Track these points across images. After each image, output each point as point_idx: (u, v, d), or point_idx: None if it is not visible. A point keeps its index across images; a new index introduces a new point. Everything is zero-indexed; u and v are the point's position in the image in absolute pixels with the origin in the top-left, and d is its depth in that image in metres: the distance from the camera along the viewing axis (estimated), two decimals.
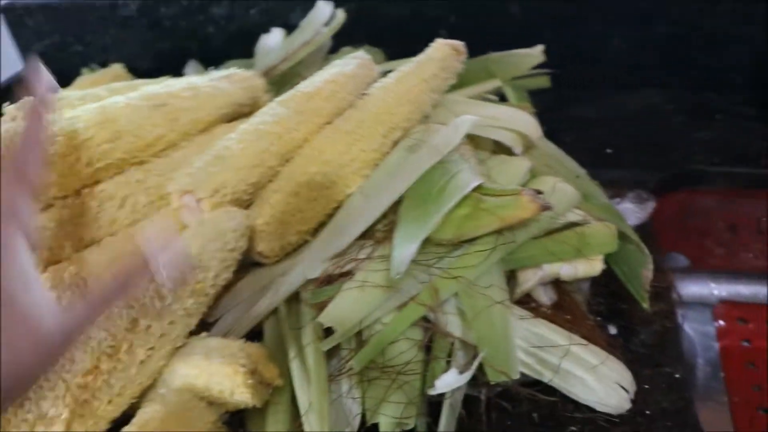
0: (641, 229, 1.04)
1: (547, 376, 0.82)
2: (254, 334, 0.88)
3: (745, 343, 1.23)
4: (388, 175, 0.95)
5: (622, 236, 0.95)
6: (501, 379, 0.77)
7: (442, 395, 0.79)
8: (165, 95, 0.95)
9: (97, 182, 0.89)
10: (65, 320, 0.60)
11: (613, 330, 0.95)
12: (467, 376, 0.77)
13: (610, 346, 0.87)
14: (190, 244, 0.80)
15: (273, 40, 1.44)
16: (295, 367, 0.80)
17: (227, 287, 0.88)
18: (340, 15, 1.30)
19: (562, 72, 1.31)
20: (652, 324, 0.96)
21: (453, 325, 0.84)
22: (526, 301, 0.91)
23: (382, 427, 0.77)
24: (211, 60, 1.52)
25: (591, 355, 0.83)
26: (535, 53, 1.17)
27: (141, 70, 1.48)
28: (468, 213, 0.84)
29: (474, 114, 0.97)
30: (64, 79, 1.32)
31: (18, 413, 0.69)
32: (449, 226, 0.84)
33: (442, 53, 1.03)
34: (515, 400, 0.84)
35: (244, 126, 0.95)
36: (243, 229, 0.83)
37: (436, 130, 0.98)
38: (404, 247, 0.81)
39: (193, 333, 0.83)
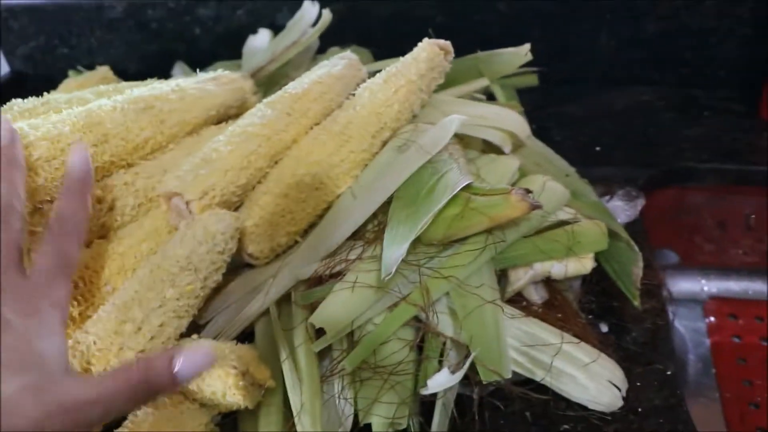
0: (631, 227, 1.04)
1: (539, 375, 0.82)
2: (245, 336, 0.88)
3: (736, 339, 1.23)
4: (377, 176, 0.95)
5: (612, 234, 0.95)
6: (493, 379, 0.76)
7: (434, 395, 0.79)
8: (151, 98, 0.95)
9: None
10: (93, 394, 0.62)
11: (604, 328, 0.95)
12: (459, 375, 0.76)
13: (602, 344, 0.87)
14: (181, 250, 0.80)
15: (260, 40, 1.44)
16: (286, 368, 0.80)
17: (217, 289, 0.87)
18: (327, 15, 1.30)
19: (551, 70, 1.31)
20: (643, 321, 0.96)
21: (444, 324, 0.83)
22: (517, 300, 0.91)
23: (374, 428, 0.77)
24: (199, 61, 1.51)
25: (583, 353, 0.83)
26: (523, 52, 1.17)
27: (128, 72, 1.48)
28: (458, 212, 0.84)
29: (462, 113, 0.96)
30: (50, 81, 1.31)
31: None
32: (439, 226, 0.84)
33: (430, 53, 1.02)
34: (508, 399, 0.84)
35: (232, 128, 0.94)
36: (232, 231, 0.83)
37: (424, 129, 0.98)
38: (394, 248, 0.81)
39: (184, 335, 0.83)
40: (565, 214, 0.94)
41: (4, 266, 0.66)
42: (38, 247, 0.72)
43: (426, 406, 0.81)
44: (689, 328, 1.26)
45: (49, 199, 0.85)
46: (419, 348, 0.84)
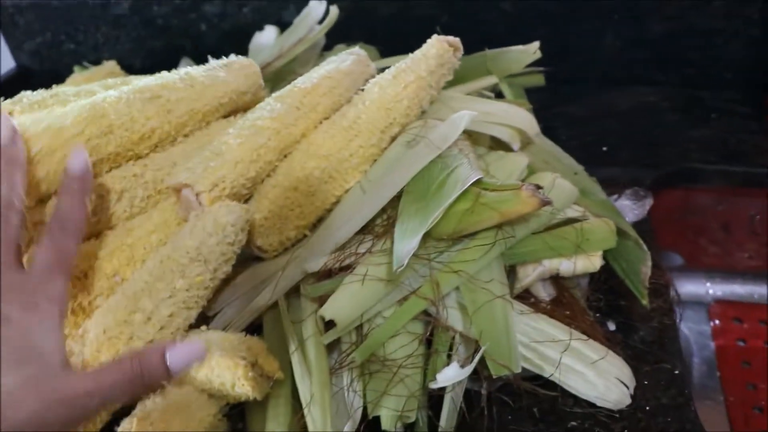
0: (638, 226, 1.04)
1: (547, 371, 0.82)
2: (253, 328, 0.88)
3: (741, 343, 1.23)
4: (386, 170, 0.95)
5: (620, 233, 0.95)
6: (503, 373, 0.76)
7: (443, 389, 0.79)
8: (158, 87, 0.94)
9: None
10: (90, 386, 0.64)
11: (612, 326, 0.95)
12: (469, 369, 0.76)
13: (609, 343, 0.87)
14: (189, 240, 0.80)
15: (266, 37, 1.44)
16: (295, 360, 0.80)
17: (226, 281, 0.87)
18: (334, 12, 1.30)
19: (556, 70, 1.31)
20: (650, 320, 0.96)
21: (454, 319, 0.83)
22: (525, 297, 0.91)
23: (383, 421, 0.77)
24: (204, 58, 1.51)
25: (591, 350, 0.83)
26: (532, 50, 1.17)
27: (133, 68, 1.48)
28: (468, 207, 0.84)
29: (471, 110, 0.96)
30: (56, 77, 1.31)
31: None
32: (449, 221, 0.84)
33: (439, 49, 1.02)
34: (515, 395, 0.84)
35: (242, 121, 0.94)
36: (242, 223, 0.82)
37: (433, 125, 0.98)
38: (406, 241, 0.80)
39: (193, 326, 0.83)
40: (573, 211, 0.94)
41: (3, 262, 0.68)
42: (37, 244, 0.73)
43: (434, 400, 0.81)
44: (694, 331, 1.26)
45: (51, 191, 0.84)
46: (428, 342, 0.84)
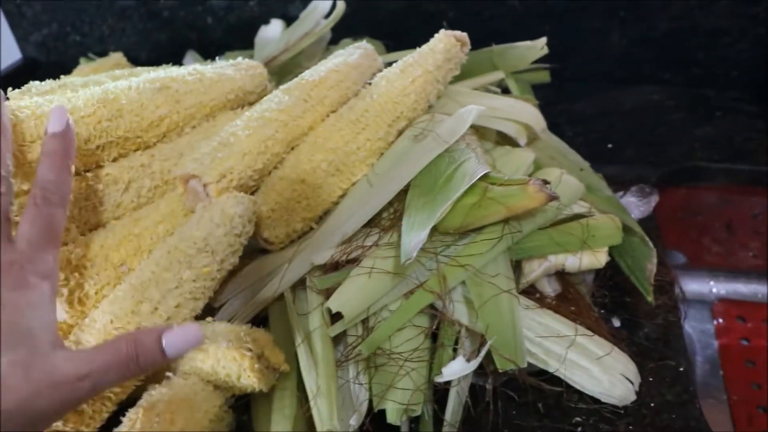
0: (644, 223, 1.04)
1: (553, 366, 0.82)
2: (259, 321, 0.88)
3: (744, 342, 1.23)
4: (393, 164, 0.95)
5: (626, 229, 0.95)
6: (509, 367, 0.76)
7: (448, 383, 0.79)
8: (168, 79, 0.95)
9: (99, 164, 0.89)
10: (82, 369, 0.62)
11: (616, 323, 0.95)
12: (474, 363, 0.76)
13: (615, 339, 0.87)
14: (196, 231, 0.80)
15: (272, 31, 1.44)
16: (302, 352, 0.80)
17: (233, 273, 0.87)
18: (341, 6, 1.30)
19: (562, 67, 1.31)
20: (655, 317, 0.96)
21: (460, 312, 0.83)
22: (530, 292, 0.92)
23: (388, 414, 0.77)
24: (210, 51, 1.52)
25: (596, 346, 0.83)
26: (539, 46, 1.17)
27: (139, 61, 1.49)
28: (475, 202, 0.84)
29: (478, 105, 0.96)
30: (62, 68, 1.31)
31: None
32: (456, 215, 0.84)
33: (447, 44, 1.02)
34: (520, 390, 0.85)
35: (249, 113, 0.94)
36: (250, 215, 0.82)
37: (441, 119, 0.98)
38: (413, 234, 0.80)
39: (199, 317, 0.83)
40: (580, 207, 0.94)
41: None
42: (22, 216, 0.70)
43: (440, 394, 0.81)
44: (697, 330, 1.26)
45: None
46: (434, 336, 0.84)
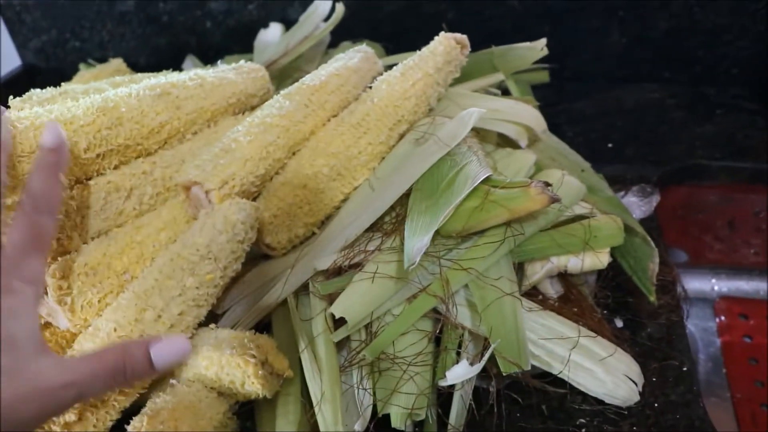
0: (645, 223, 1.04)
1: (556, 368, 0.82)
2: (262, 327, 0.88)
3: (747, 339, 1.23)
4: (395, 168, 0.95)
5: (628, 229, 0.95)
6: (513, 370, 0.76)
7: (452, 387, 0.80)
8: (168, 85, 0.95)
9: (101, 172, 0.89)
10: (66, 377, 0.62)
11: (619, 323, 0.96)
12: (478, 367, 0.76)
13: (618, 339, 0.87)
14: (199, 238, 0.80)
15: (272, 34, 1.44)
16: (305, 358, 0.80)
17: (235, 279, 0.87)
18: (340, 9, 1.29)
19: (562, 67, 1.32)
20: (658, 317, 0.96)
21: (463, 316, 0.84)
22: (533, 294, 0.92)
23: (393, 418, 0.77)
24: (210, 55, 1.52)
25: (600, 347, 0.84)
26: (538, 47, 1.16)
27: (139, 66, 1.49)
28: (477, 205, 0.84)
29: (479, 107, 0.97)
30: (62, 75, 1.31)
31: None
32: (458, 218, 0.84)
33: (447, 47, 1.02)
34: (524, 392, 0.85)
35: (251, 119, 0.94)
36: (252, 221, 0.82)
37: (442, 122, 0.98)
38: (417, 238, 0.80)
39: (202, 324, 0.83)
40: (581, 208, 0.94)
41: None
42: (11, 223, 0.70)
43: (444, 397, 0.81)
44: (699, 328, 1.26)
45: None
46: (437, 340, 0.84)
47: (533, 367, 0.82)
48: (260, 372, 0.76)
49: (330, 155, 0.94)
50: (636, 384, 0.83)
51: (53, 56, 1.60)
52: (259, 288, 0.89)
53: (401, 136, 1.01)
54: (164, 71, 1.11)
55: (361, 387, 0.81)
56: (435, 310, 0.84)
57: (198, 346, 0.79)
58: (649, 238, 0.97)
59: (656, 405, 0.85)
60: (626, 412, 0.84)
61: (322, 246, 0.90)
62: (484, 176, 0.84)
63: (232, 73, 1.03)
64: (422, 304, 0.82)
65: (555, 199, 0.82)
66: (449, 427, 0.78)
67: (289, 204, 0.90)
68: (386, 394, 0.78)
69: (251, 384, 0.76)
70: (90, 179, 0.88)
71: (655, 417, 0.83)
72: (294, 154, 0.96)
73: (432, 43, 1.04)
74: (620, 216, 0.95)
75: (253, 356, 0.76)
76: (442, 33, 1.04)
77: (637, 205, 1.10)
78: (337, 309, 0.81)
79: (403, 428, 0.77)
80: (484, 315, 0.81)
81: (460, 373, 0.76)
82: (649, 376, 0.87)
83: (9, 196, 0.78)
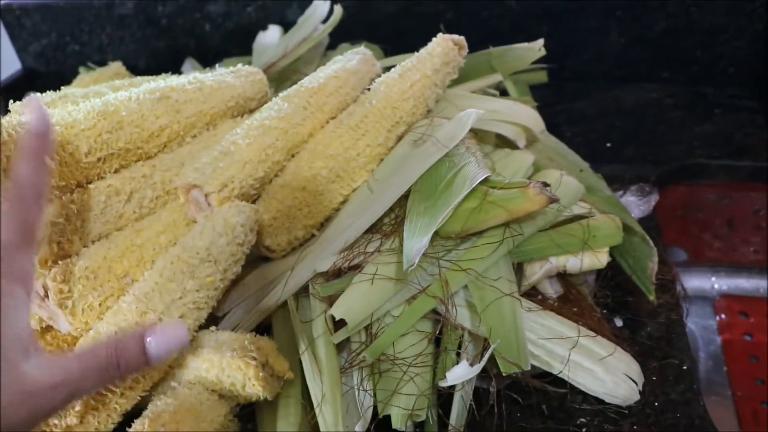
0: (644, 222, 1.04)
1: (556, 368, 0.82)
2: (263, 329, 0.88)
3: (747, 337, 1.23)
4: (394, 170, 0.96)
5: (627, 229, 0.95)
6: (512, 371, 0.77)
7: (452, 387, 0.80)
8: (168, 88, 0.95)
9: (101, 176, 0.90)
10: (56, 377, 0.60)
11: (619, 322, 0.96)
12: (478, 368, 0.77)
13: (617, 339, 0.87)
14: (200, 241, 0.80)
15: (270, 37, 1.44)
16: (306, 359, 0.80)
17: (235, 282, 0.88)
18: (338, 11, 1.30)
19: (560, 67, 1.32)
20: (657, 316, 0.96)
21: (463, 317, 0.84)
22: (532, 294, 0.92)
23: (393, 420, 0.77)
24: (208, 57, 1.52)
25: (599, 346, 0.84)
26: (536, 47, 1.17)
27: (138, 69, 1.49)
28: (476, 206, 0.84)
29: (477, 108, 0.97)
30: (62, 78, 1.31)
31: None
32: (457, 219, 0.84)
33: (444, 48, 1.03)
34: (525, 392, 0.85)
35: (249, 121, 0.94)
36: (252, 223, 0.83)
37: (440, 124, 0.99)
38: (416, 240, 0.81)
39: (203, 327, 0.83)
40: (580, 208, 0.95)
41: None
42: None
43: (444, 398, 0.81)
44: (699, 326, 1.26)
45: (63, 184, 0.85)
46: (437, 340, 0.85)
47: (533, 367, 0.82)
48: (261, 374, 0.76)
49: (329, 157, 0.94)
50: (636, 383, 0.83)
51: (53, 60, 1.60)
52: (259, 290, 0.90)
53: (399, 138, 1.01)
54: (163, 74, 1.12)
55: (361, 388, 0.81)
56: (435, 311, 0.84)
57: (199, 349, 0.80)
58: (648, 238, 0.97)
59: (656, 404, 0.85)
60: (626, 411, 0.84)
61: (322, 248, 0.90)
62: (483, 177, 0.85)
63: (230, 77, 1.03)
64: (422, 305, 0.82)
65: (553, 200, 0.82)
66: (450, 427, 0.79)
67: (289, 206, 0.90)
68: (387, 395, 0.78)
69: (252, 386, 0.76)
70: (90, 183, 0.88)
71: (655, 416, 0.84)
72: (293, 156, 0.96)
73: (430, 45, 1.04)
74: (619, 215, 0.95)
75: (254, 358, 0.76)
76: (440, 34, 1.05)
77: (636, 204, 1.10)
78: (337, 311, 0.81)
79: (403, 429, 0.77)
80: (484, 315, 0.81)
81: (460, 373, 0.77)
82: (649, 375, 0.87)
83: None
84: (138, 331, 0.63)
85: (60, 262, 0.82)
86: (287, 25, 1.41)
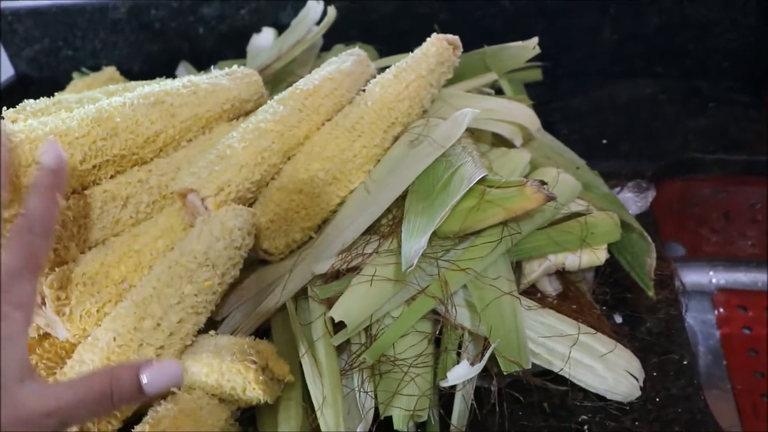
0: (642, 218, 1.04)
1: (557, 366, 0.83)
2: (262, 332, 0.88)
3: (746, 331, 1.23)
4: (390, 170, 0.96)
5: (624, 225, 0.95)
6: (513, 369, 0.77)
7: (453, 387, 0.80)
8: (162, 93, 0.95)
9: (97, 182, 0.89)
10: (50, 405, 0.60)
11: (618, 319, 0.96)
12: (479, 367, 0.77)
13: (617, 335, 0.87)
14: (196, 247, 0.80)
15: (264, 39, 1.44)
16: (306, 362, 0.80)
17: (233, 285, 0.87)
18: (332, 13, 1.29)
19: (555, 65, 1.32)
20: (656, 312, 0.97)
21: (462, 316, 0.84)
22: (531, 292, 0.92)
23: (395, 421, 0.77)
24: (203, 61, 1.52)
25: (599, 343, 0.84)
26: (530, 45, 1.17)
27: (132, 73, 1.49)
28: (473, 205, 0.84)
29: (473, 107, 0.97)
30: (55, 84, 1.31)
31: None
32: (455, 219, 0.84)
33: (439, 48, 1.03)
34: (526, 391, 0.85)
35: (245, 125, 0.94)
36: (249, 227, 0.82)
37: (436, 124, 0.98)
38: (414, 240, 0.81)
39: (202, 331, 0.83)
40: (577, 206, 0.95)
41: None
42: (4, 245, 0.68)
43: (445, 398, 0.81)
44: (698, 320, 1.27)
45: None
46: (437, 341, 0.85)
47: (534, 365, 0.82)
48: (261, 377, 0.76)
49: (325, 159, 0.94)
50: (637, 379, 0.83)
51: (46, 65, 1.60)
52: (258, 294, 0.90)
53: (396, 139, 1.01)
54: (158, 78, 1.11)
55: (362, 390, 0.81)
56: (434, 312, 0.84)
57: (198, 354, 0.80)
58: (645, 234, 0.98)
59: (657, 399, 0.85)
60: (628, 408, 0.84)
61: (320, 250, 0.90)
62: (480, 176, 0.85)
63: (225, 79, 1.03)
64: (421, 306, 0.82)
65: (551, 198, 0.82)
66: (451, 427, 0.79)
67: (286, 209, 0.90)
68: (388, 397, 0.79)
69: (252, 390, 0.76)
70: (86, 189, 0.88)
71: (656, 411, 0.84)
72: (289, 159, 0.96)
73: (424, 45, 1.04)
74: (616, 212, 0.95)
75: (254, 362, 0.76)
76: (434, 34, 1.04)
77: (633, 200, 1.10)
78: (337, 312, 0.81)
79: (405, 430, 0.77)
80: (484, 315, 0.81)
81: (461, 373, 0.77)
82: (649, 370, 0.87)
83: (7, 209, 0.78)
84: (133, 364, 0.64)
85: (57, 268, 0.82)
86: (281, 28, 1.41)
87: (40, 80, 1.62)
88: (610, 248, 0.94)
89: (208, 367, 0.78)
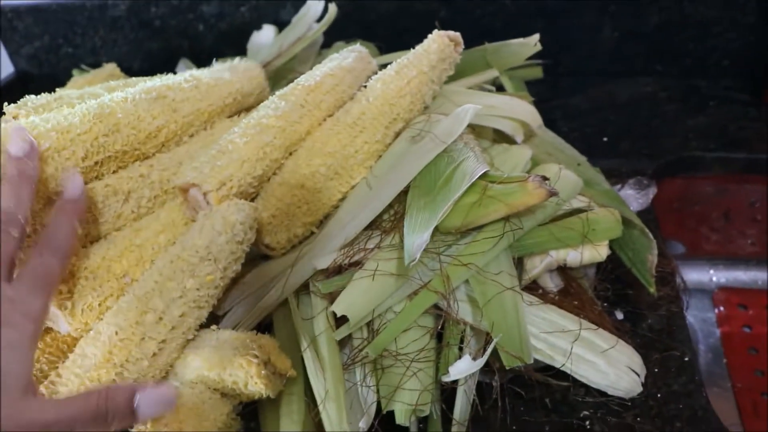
0: (642, 215, 1.04)
1: (558, 361, 0.82)
2: (263, 327, 0.88)
3: (746, 329, 1.24)
4: (392, 166, 0.95)
5: (626, 222, 0.95)
6: (515, 364, 0.77)
7: (455, 382, 0.80)
8: (164, 87, 0.95)
9: (99, 177, 0.89)
10: (49, 418, 0.62)
11: (620, 315, 0.96)
12: (481, 362, 0.77)
13: (618, 331, 0.87)
14: (197, 239, 0.80)
15: (265, 36, 1.43)
16: (308, 357, 0.80)
17: (235, 280, 0.87)
18: (332, 10, 1.29)
19: (555, 63, 1.32)
20: (658, 308, 0.97)
21: (464, 311, 0.84)
22: (533, 288, 0.92)
23: (397, 415, 0.77)
24: (203, 58, 1.51)
25: (601, 339, 0.84)
26: (532, 43, 1.17)
27: (132, 71, 1.49)
28: (475, 200, 0.84)
29: (474, 103, 0.97)
30: (55, 81, 1.31)
31: None
32: (457, 214, 0.84)
33: (440, 44, 1.03)
34: (527, 386, 0.85)
35: (247, 120, 0.94)
36: (251, 221, 0.82)
37: (437, 120, 0.98)
38: (416, 235, 0.81)
39: (203, 326, 0.83)
40: (579, 202, 0.94)
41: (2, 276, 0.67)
42: (25, 261, 0.71)
43: (447, 393, 0.82)
44: (698, 319, 1.27)
45: (59, 190, 0.84)
46: (439, 336, 0.85)
47: (535, 360, 0.82)
48: (263, 372, 0.76)
49: (327, 155, 0.94)
50: (638, 375, 0.83)
51: (46, 62, 1.60)
52: (260, 288, 0.89)
53: (397, 135, 1.01)
54: (158, 75, 1.11)
55: (364, 384, 0.81)
56: (436, 306, 0.84)
57: (200, 348, 0.80)
58: (647, 230, 0.98)
59: (659, 395, 0.85)
60: (629, 403, 0.84)
61: (322, 245, 0.90)
62: (482, 172, 0.85)
63: (227, 73, 1.03)
64: (423, 301, 0.82)
65: (553, 193, 0.82)
66: (453, 422, 0.79)
67: (288, 204, 0.90)
68: (390, 391, 0.79)
69: (254, 384, 0.76)
70: (88, 184, 0.88)
71: (658, 407, 0.84)
72: (291, 154, 0.96)
73: (426, 41, 1.04)
74: (618, 209, 0.95)
75: (256, 356, 0.76)
76: (436, 31, 1.04)
77: (634, 197, 1.10)
78: (339, 307, 0.81)
79: (407, 425, 0.78)
80: (486, 310, 0.81)
81: (463, 368, 0.77)
82: (651, 367, 0.87)
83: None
84: (129, 386, 0.66)
85: None
86: (281, 25, 1.40)
87: (39, 77, 1.62)
88: (612, 245, 0.94)
89: (209, 362, 0.78)
